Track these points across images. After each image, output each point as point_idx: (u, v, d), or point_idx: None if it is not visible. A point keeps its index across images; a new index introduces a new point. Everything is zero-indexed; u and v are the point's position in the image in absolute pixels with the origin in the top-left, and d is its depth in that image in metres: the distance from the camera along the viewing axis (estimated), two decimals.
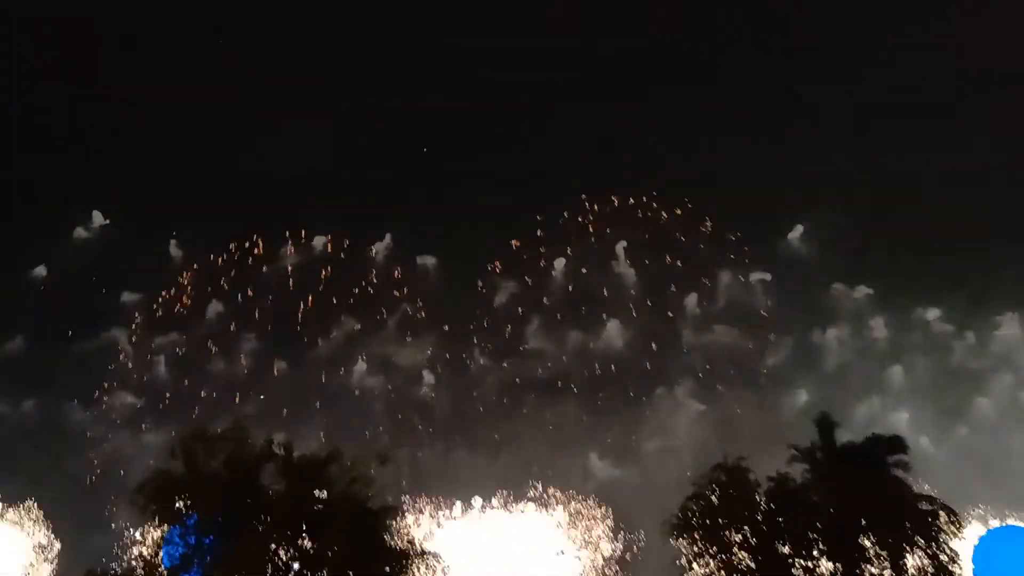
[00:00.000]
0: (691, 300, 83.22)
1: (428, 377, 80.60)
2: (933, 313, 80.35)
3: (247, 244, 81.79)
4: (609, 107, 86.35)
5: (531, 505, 59.08)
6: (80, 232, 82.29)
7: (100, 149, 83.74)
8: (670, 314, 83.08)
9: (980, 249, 79.42)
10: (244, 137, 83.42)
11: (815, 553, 36.78)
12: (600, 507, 58.79)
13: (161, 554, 36.28)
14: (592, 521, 58.07)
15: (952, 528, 37.24)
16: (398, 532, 40.77)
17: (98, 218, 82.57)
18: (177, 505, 36.45)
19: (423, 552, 40.00)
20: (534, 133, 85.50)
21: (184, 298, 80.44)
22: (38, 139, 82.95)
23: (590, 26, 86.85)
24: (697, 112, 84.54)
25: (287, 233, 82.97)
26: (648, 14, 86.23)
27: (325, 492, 37.82)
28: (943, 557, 36.47)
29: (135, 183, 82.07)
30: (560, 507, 58.58)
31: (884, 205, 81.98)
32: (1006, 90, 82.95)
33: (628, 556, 57.23)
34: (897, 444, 39.39)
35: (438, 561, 41.54)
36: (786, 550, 36.82)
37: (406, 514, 44.43)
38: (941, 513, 37.66)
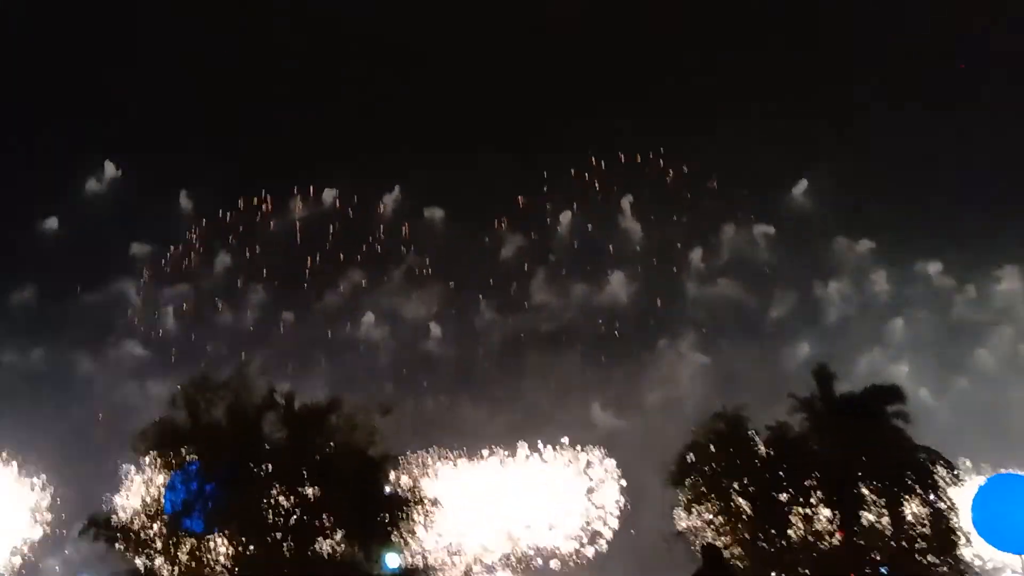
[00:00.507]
0: (695, 254, 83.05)
1: (434, 330, 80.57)
2: (935, 267, 79.93)
3: (255, 200, 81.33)
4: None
5: (534, 454, 59.13)
6: (92, 184, 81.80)
7: (112, 101, 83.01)
8: (674, 269, 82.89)
9: (983, 203, 78.69)
10: (253, 91, 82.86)
11: (813, 501, 36.45)
12: (602, 456, 58.86)
13: (163, 500, 36.01)
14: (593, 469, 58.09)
15: (951, 477, 36.84)
16: (399, 480, 40.59)
17: (110, 169, 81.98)
18: (179, 453, 36.11)
19: (423, 499, 39.79)
20: (541, 98, 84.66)
21: (193, 251, 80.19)
22: (49, 89, 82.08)
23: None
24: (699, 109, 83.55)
25: (295, 189, 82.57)
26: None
27: (326, 441, 37.31)
28: (941, 505, 36.11)
29: (147, 135, 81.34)
30: (561, 455, 58.60)
31: (887, 160, 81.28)
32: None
33: (628, 504, 57.32)
34: (895, 394, 38.88)
35: (439, 507, 41.42)
36: (784, 497, 36.48)
37: (408, 463, 44.02)
38: (939, 463, 37.22)
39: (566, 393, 74.09)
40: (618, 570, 56.69)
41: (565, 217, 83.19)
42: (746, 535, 36.33)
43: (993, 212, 77.50)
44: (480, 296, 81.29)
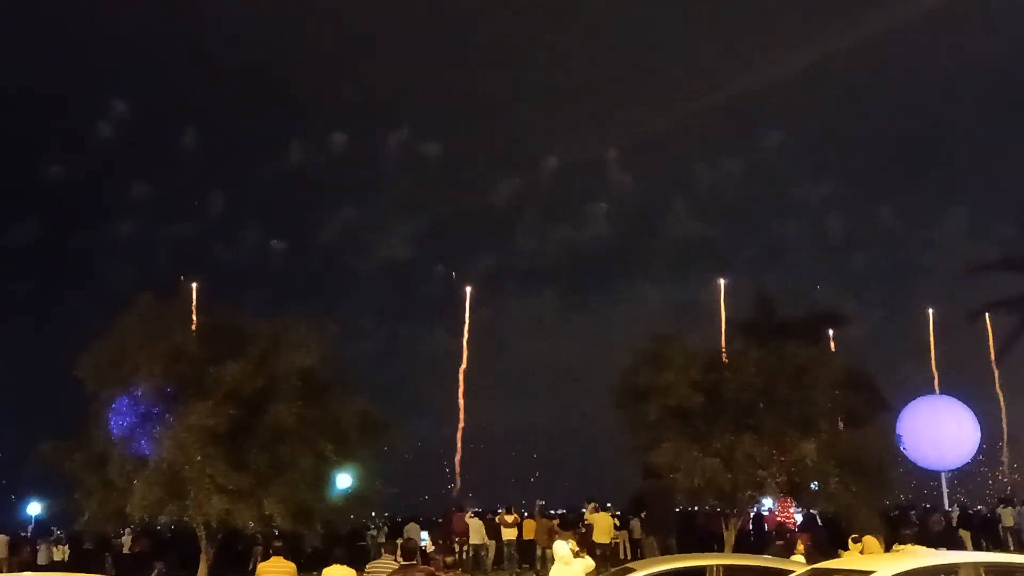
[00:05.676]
0: (673, 199, 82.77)
1: (415, 263, 79.12)
2: (887, 209, 79.09)
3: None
4: None
5: None
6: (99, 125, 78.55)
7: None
8: (653, 210, 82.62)
9: (938, 147, 76.51)
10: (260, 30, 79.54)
11: (749, 422, 33.70)
12: None
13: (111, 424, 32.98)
14: None
15: (882, 403, 34.40)
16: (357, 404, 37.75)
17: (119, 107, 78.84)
18: (123, 375, 33.16)
19: (376, 421, 37.25)
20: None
21: (193, 189, 77.81)
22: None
23: None
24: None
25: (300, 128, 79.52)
26: None
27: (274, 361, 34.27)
28: (872, 430, 33.63)
29: (155, 67, 77.95)
30: None
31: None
32: None
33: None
34: (836, 319, 36.30)
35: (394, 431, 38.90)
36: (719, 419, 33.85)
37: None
38: (873, 389, 34.72)
39: (540, 326, 72.60)
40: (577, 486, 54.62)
41: (551, 163, 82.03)
42: (683, 453, 33.59)
43: (944, 155, 75.69)
44: (465, 232, 79.74)
